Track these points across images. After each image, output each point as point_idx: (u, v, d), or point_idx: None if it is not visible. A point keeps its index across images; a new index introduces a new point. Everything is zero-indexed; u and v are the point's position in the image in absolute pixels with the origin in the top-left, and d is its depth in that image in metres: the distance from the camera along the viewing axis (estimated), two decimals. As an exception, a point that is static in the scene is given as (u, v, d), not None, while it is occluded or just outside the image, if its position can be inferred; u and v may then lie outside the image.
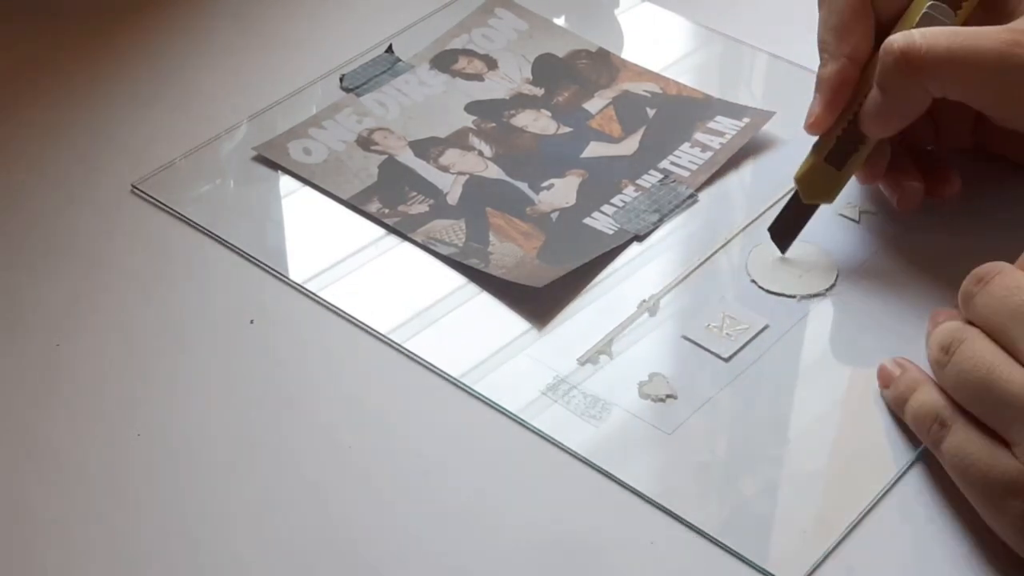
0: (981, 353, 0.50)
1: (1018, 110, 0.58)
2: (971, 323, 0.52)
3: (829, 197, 0.61)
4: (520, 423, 0.55)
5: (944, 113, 0.64)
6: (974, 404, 0.50)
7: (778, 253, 0.62)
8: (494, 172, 0.67)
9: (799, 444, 0.55)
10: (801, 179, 0.61)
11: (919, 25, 0.58)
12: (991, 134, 0.65)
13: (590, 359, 0.58)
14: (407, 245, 0.63)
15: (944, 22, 0.58)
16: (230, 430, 0.55)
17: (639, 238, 0.63)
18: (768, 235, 0.62)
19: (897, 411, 0.55)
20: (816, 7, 0.62)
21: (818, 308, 0.60)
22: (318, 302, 0.60)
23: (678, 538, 0.51)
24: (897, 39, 0.57)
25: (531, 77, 0.73)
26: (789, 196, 0.62)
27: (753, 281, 0.61)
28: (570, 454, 0.54)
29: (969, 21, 0.59)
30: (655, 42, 0.75)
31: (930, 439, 0.52)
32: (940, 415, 0.52)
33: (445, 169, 0.67)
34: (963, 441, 0.50)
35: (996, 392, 0.49)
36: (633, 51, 0.74)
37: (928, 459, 0.54)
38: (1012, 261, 0.52)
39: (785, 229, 0.62)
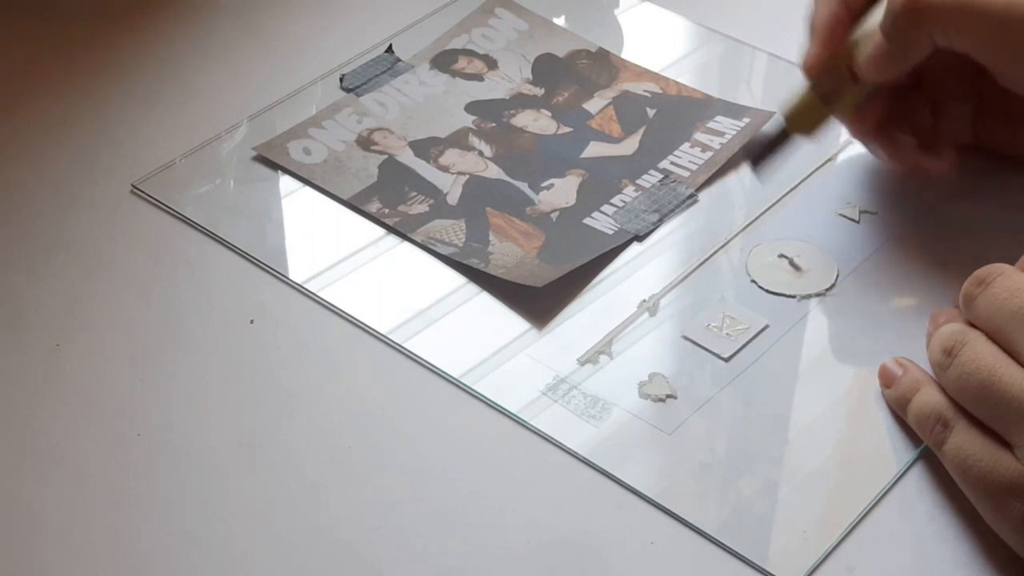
0: (982, 356, 0.50)
1: (1021, 65, 0.58)
2: (972, 325, 0.52)
3: (811, 130, 0.62)
4: (520, 423, 0.55)
5: (944, 105, 0.64)
6: (976, 406, 0.50)
7: (778, 251, 0.62)
8: (494, 172, 0.67)
9: (799, 444, 0.55)
10: (789, 110, 0.62)
11: None
12: (991, 129, 0.65)
13: (590, 359, 0.58)
14: (407, 245, 0.63)
15: None
16: (230, 430, 0.55)
17: (639, 238, 0.63)
18: (746, 158, 0.63)
19: (898, 411, 0.55)
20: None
21: (818, 308, 0.60)
22: (318, 302, 0.60)
23: (678, 538, 0.51)
24: None
25: (531, 77, 0.73)
26: (775, 128, 0.62)
27: (753, 281, 0.61)
28: (570, 454, 0.54)
29: None
30: (655, 42, 0.75)
31: (932, 439, 0.52)
32: (943, 416, 0.52)
33: (445, 169, 0.67)
34: (965, 442, 0.50)
35: (997, 394, 0.49)
36: (633, 51, 0.74)
37: (928, 459, 0.54)
38: (1012, 262, 0.52)
39: (762, 154, 0.62)
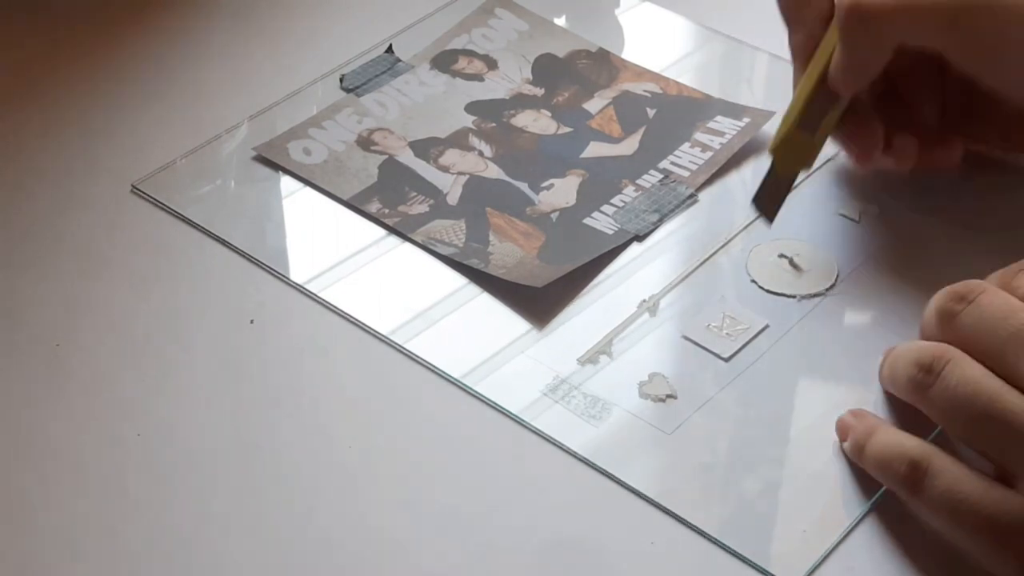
0: (978, 378, 0.47)
1: (983, 57, 0.56)
2: (950, 343, 0.49)
3: (806, 164, 0.61)
4: (521, 424, 0.55)
5: (918, 103, 0.63)
6: (971, 433, 0.48)
7: (778, 251, 0.62)
8: (494, 172, 0.67)
9: (799, 444, 0.55)
10: (776, 150, 0.61)
11: None
12: (957, 123, 0.63)
13: (590, 359, 0.58)
14: (407, 245, 0.63)
15: None
16: (230, 430, 0.55)
17: (639, 238, 0.63)
18: (755, 208, 0.62)
19: (856, 459, 0.52)
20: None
21: (818, 308, 0.60)
22: (318, 302, 0.60)
23: (678, 538, 0.51)
24: None
25: (531, 77, 0.73)
26: (770, 173, 0.61)
27: (753, 281, 0.61)
28: (571, 454, 0.54)
29: None
30: (655, 42, 0.75)
31: (906, 486, 0.49)
32: (909, 456, 0.48)
33: (445, 169, 0.67)
34: (953, 483, 0.47)
35: (1000, 422, 0.46)
36: (633, 51, 0.74)
37: (928, 459, 0.54)
38: (1010, 263, 0.52)
39: (769, 199, 0.61)
